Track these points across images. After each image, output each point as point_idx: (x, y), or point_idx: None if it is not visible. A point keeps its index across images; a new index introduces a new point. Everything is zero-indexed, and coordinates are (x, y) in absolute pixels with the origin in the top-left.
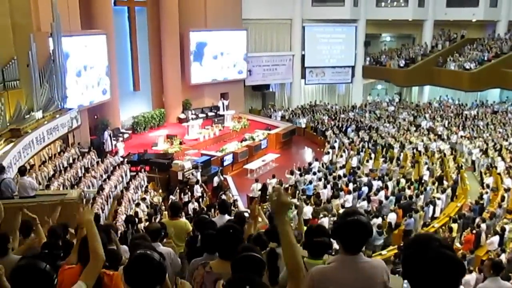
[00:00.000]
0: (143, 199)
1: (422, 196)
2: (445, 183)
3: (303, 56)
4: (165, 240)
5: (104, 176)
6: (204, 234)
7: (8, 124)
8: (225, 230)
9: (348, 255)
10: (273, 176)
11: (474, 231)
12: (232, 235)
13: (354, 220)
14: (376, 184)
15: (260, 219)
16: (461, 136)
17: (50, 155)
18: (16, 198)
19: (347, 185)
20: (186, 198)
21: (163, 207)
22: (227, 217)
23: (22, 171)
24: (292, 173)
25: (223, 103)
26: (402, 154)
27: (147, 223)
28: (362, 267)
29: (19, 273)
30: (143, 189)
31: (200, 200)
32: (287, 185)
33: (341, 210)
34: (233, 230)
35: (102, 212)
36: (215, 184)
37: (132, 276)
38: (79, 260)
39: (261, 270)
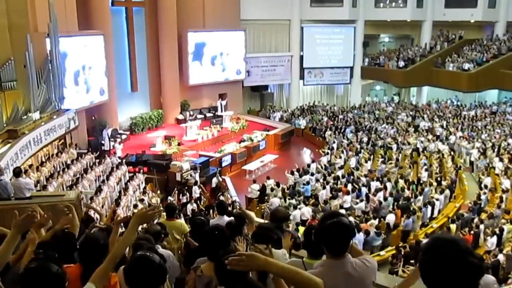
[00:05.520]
0: (141, 200)
1: (420, 197)
2: (444, 183)
3: (301, 57)
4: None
5: (103, 177)
6: (200, 235)
7: (5, 125)
8: (211, 232)
9: (333, 259)
10: (268, 178)
11: (472, 232)
12: (218, 236)
13: (334, 222)
14: (375, 184)
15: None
16: (460, 137)
17: (47, 156)
18: (12, 200)
19: (345, 186)
20: (184, 199)
21: (162, 208)
22: (226, 218)
23: (17, 172)
24: (292, 173)
25: (221, 104)
26: (400, 155)
27: (145, 224)
28: (348, 270)
29: (30, 276)
30: (141, 190)
31: (199, 201)
32: (285, 186)
33: (340, 211)
34: (219, 232)
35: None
36: (213, 185)
37: (133, 278)
38: (80, 260)
39: (245, 275)
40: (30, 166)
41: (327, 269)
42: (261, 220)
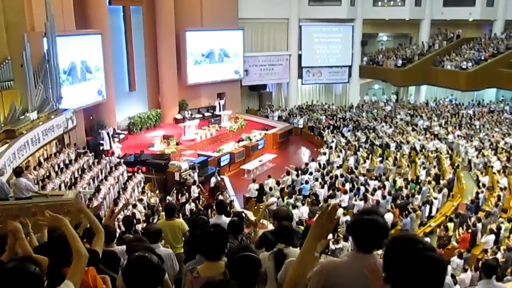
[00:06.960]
0: (140, 200)
1: (418, 196)
2: (442, 182)
3: (300, 56)
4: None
5: (101, 177)
6: (194, 236)
7: (2, 125)
8: (207, 231)
9: (360, 253)
10: (269, 177)
11: (470, 230)
12: (215, 235)
13: (370, 219)
14: (373, 183)
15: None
16: (458, 136)
17: (46, 156)
18: (11, 200)
19: (343, 185)
20: (183, 199)
21: (160, 208)
22: (224, 217)
23: (17, 172)
24: (288, 173)
25: (219, 103)
26: (399, 153)
27: (145, 224)
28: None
29: (7, 276)
30: (140, 190)
31: (197, 200)
32: (283, 185)
33: (338, 210)
34: (216, 230)
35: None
36: (212, 184)
37: (131, 279)
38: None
39: (258, 269)
40: (27, 167)
41: (349, 260)
42: (265, 221)
